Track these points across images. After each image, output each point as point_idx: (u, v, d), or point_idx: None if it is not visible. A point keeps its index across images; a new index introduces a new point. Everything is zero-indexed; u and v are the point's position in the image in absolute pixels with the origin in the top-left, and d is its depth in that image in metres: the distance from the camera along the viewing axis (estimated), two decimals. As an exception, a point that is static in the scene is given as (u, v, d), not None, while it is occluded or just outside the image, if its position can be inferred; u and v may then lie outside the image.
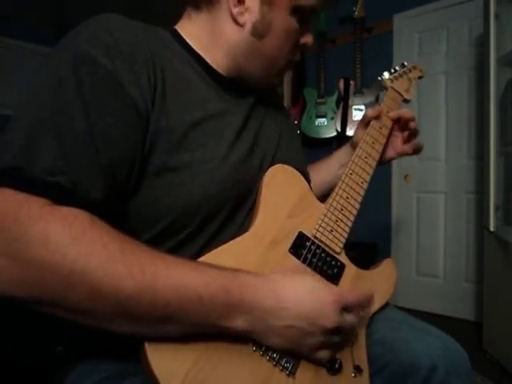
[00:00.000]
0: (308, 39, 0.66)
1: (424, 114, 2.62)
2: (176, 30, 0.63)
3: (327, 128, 2.88)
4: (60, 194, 0.42)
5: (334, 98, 2.91)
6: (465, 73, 2.53)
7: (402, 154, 0.82)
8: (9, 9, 3.40)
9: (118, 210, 0.51)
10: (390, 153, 0.82)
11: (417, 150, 0.82)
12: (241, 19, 0.59)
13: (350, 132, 2.73)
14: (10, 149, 0.42)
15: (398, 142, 0.82)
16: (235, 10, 0.59)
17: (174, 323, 0.43)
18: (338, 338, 0.51)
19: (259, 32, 0.60)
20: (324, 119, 2.89)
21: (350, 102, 2.75)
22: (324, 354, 0.51)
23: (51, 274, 0.39)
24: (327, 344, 0.50)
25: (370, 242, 2.59)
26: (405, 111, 0.79)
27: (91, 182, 0.44)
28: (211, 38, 0.62)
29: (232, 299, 0.44)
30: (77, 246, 0.39)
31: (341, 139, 2.77)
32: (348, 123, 2.73)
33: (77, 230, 0.40)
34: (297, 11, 0.60)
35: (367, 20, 2.76)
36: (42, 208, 0.40)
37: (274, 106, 0.74)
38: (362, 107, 2.73)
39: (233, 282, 0.45)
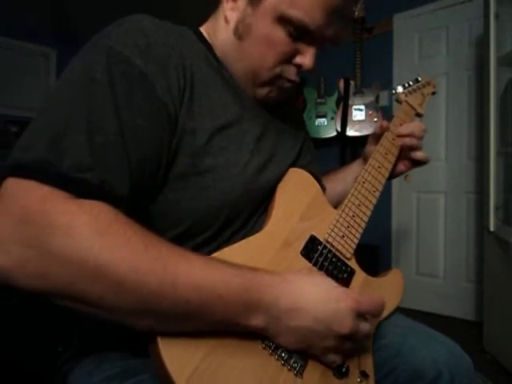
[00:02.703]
0: (304, 60, 0.60)
1: (424, 114, 2.62)
2: (200, 31, 0.63)
3: (327, 128, 2.88)
4: (86, 190, 0.42)
5: (334, 98, 2.91)
6: (465, 73, 2.53)
7: (411, 168, 0.80)
8: (9, 9, 3.40)
9: (142, 210, 0.52)
10: (401, 167, 0.80)
11: (422, 162, 0.79)
12: (228, 15, 0.59)
13: (349, 132, 2.73)
14: (39, 141, 0.42)
15: (406, 160, 0.79)
16: (225, 6, 0.59)
17: (194, 320, 0.43)
18: (351, 343, 0.51)
19: (239, 32, 0.59)
20: (324, 119, 2.89)
21: (350, 102, 2.74)
22: (334, 358, 0.51)
23: (76, 267, 0.38)
24: (339, 348, 0.50)
25: (370, 243, 2.59)
26: (413, 128, 0.76)
27: (118, 181, 0.45)
28: (215, 35, 0.62)
29: (251, 298, 0.45)
30: (102, 239, 0.39)
31: (341, 139, 2.78)
32: (348, 123, 2.73)
33: (102, 222, 0.40)
34: (283, 21, 0.56)
35: (367, 20, 2.76)
36: (68, 201, 0.40)
37: (293, 116, 0.74)
38: (362, 107, 2.73)
39: (251, 281, 0.45)
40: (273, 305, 0.46)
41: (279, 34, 0.57)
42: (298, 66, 0.61)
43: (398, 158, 0.79)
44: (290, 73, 0.61)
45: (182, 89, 0.51)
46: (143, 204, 0.51)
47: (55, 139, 0.43)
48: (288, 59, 0.60)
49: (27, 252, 0.38)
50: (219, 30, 0.62)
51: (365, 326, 0.51)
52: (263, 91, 0.63)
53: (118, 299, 0.40)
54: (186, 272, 0.42)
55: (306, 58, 0.60)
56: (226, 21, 0.59)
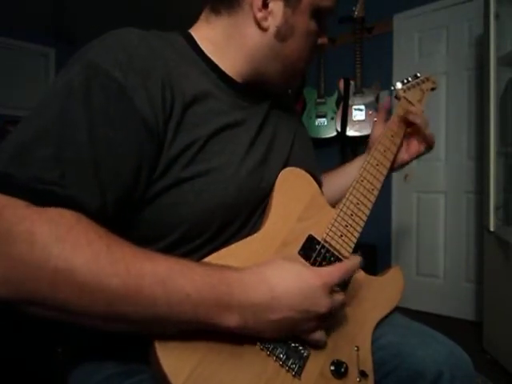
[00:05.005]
0: (324, 40, 0.67)
1: (423, 110, 2.62)
2: (190, 35, 0.63)
3: (327, 128, 2.88)
4: (50, 200, 0.42)
5: (334, 98, 2.91)
6: (465, 73, 2.53)
7: (415, 156, 0.80)
8: (9, 9, 3.40)
9: (129, 218, 0.52)
10: (404, 157, 0.80)
11: (430, 143, 0.79)
12: (264, 23, 0.60)
13: (349, 132, 2.73)
14: (6, 155, 0.43)
15: (411, 146, 0.80)
16: (259, 15, 0.59)
17: (166, 321, 0.43)
18: (331, 318, 0.52)
19: (282, 35, 0.61)
20: (324, 119, 2.89)
21: (350, 102, 2.74)
22: (319, 336, 0.52)
23: (36, 273, 0.38)
24: (321, 326, 0.51)
25: (369, 243, 2.59)
26: (416, 116, 0.77)
27: (85, 196, 0.44)
28: (228, 42, 0.62)
29: (221, 296, 0.44)
30: (61, 245, 0.39)
31: (341, 139, 2.77)
32: (348, 123, 2.73)
33: (62, 228, 0.40)
34: (317, 14, 0.61)
35: (367, 20, 2.76)
36: (28, 208, 0.40)
37: (286, 110, 0.74)
38: (362, 107, 2.73)
39: (220, 279, 0.45)
40: (246, 300, 0.45)
41: (313, 26, 0.63)
42: (320, 47, 0.68)
43: (401, 150, 0.80)
44: (314, 55, 0.68)
45: (168, 102, 0.51)
46: (132, 213, 0.52)
47: (21, 151, 0.43)
48: (315, 45, 0.66)
49: None
50: (244, 39, 0.61)
51: (339, 299, 0.52)
52: (296, 80, 0.71)
53: (82, 303, 0.40)
54: (150, 272, 0.42)
55: (324, 37, 0.67)
56: (262, 28, 0.60)
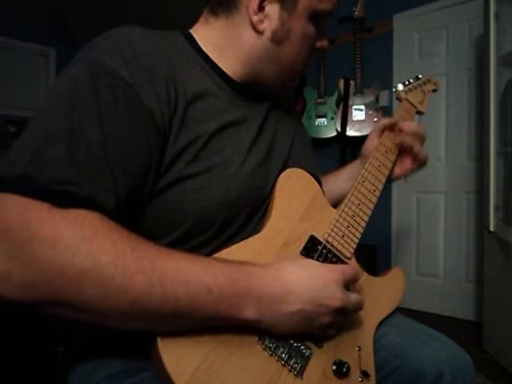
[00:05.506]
0: (323, 43, 0.67)
1: (424, 114, 2.62)
2: (191, 35, 0.63)
3: (327, 128, 2.88)
4: (70, 200, 0.42)
5: (334, 98, 2.91)
6: (465, 73, 2.53)
7: (408, 173, 0.79)
8: (9, 9, 3.40)
9: (135, 216, 0.52)
10: (397, 171, 0.79)
11: (422, 164, 0.78)
12: (260, 27, 0.60)
13: (349, 132, 2.73)
14: (21, 156, 0.43)
15: (404, 163, 0.78)
16: (255, 18, 0.59)
17: (186, 317, 0.43)
18: (345, 315, 0.53)
19: (278, 38, 0.61)
20: (324, 119, 2.89)
21: (350, 102, 2.75)
22: (331, 332, 0.53)
23: (62, 274, 0.38)
24: (336, 322, 0.52)
25: (370, 243, 2.59)
26: (417, 127, 0.76)
27: (102, 194, 0.44)
28: (227, 43, 0.62)
29: (240, 289, 0.45)
30: (87, 245, 0.39)
31: (341, 139, 2.78)
32: (348, 123, 2.73)
33: (87, 229, 0.40)
34: (314, 17, 0.61)
35: (367, 20, 2.76)
36: (51, 211, 0.40)
37: (286, 110, 0.74)
38: (362, 107, 2.73)
39: (239, 273, 0.46)
40: (263, 293, 0.46)
41: (311, 29, 0.62)
42: (319, 49, 0.67)
43: (398, 161, 0.78)
44: (312, 57, 0.68)
45: (172, 98, 0.51)
46: (135, 210, 0.52)
47: (37, 153, 0.43)
48: (314, 48, 0.66)
49: (10, 264, 0.38)
50: (240, 41, 0.61)
51: (355, 297, 0.53)
52: (294, 82, 0.70)
53: (107, 302, 0.40)
54: (173, 269, 0.42)
55: (324, 40, 0.67)
56: (257, 31, 0.60)
